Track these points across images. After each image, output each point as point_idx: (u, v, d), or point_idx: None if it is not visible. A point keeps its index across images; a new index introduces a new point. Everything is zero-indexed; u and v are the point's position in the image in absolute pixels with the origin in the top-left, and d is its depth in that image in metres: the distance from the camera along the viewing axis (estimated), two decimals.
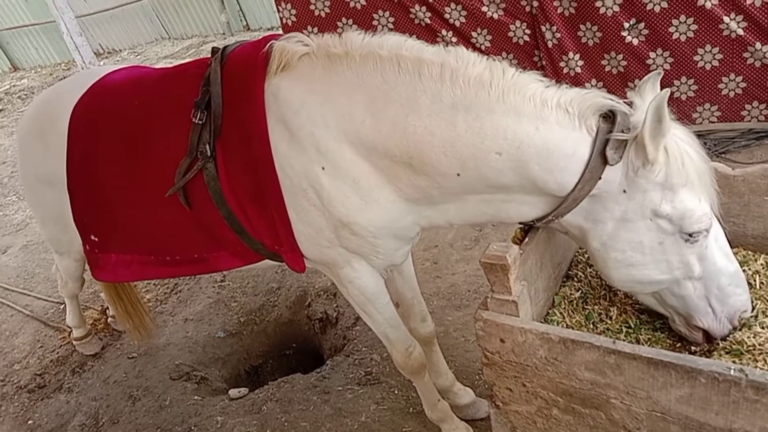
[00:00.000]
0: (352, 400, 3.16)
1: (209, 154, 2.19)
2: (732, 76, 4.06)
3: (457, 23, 4.55)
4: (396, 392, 3.17)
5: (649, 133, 1.63)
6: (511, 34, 4.50)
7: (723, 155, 4.12)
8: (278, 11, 4.90)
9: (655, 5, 3.96)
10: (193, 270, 2.54)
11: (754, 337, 1.78)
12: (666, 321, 1.98)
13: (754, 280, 2.02)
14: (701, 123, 4.27)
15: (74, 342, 4.01)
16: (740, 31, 3.85)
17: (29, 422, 3.60)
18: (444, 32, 4.63)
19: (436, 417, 2.73)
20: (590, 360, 1.58)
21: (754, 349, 1.76)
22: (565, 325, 2.08)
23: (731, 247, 2.13)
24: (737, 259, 2.09)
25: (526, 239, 1.99)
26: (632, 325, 2.07)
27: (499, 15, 4.46)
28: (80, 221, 2.62)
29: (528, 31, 4.46)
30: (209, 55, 2.32)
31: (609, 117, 1.75)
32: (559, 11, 4.27)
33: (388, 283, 2.62)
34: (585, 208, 1.81)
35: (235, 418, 3.23)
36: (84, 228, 2.62)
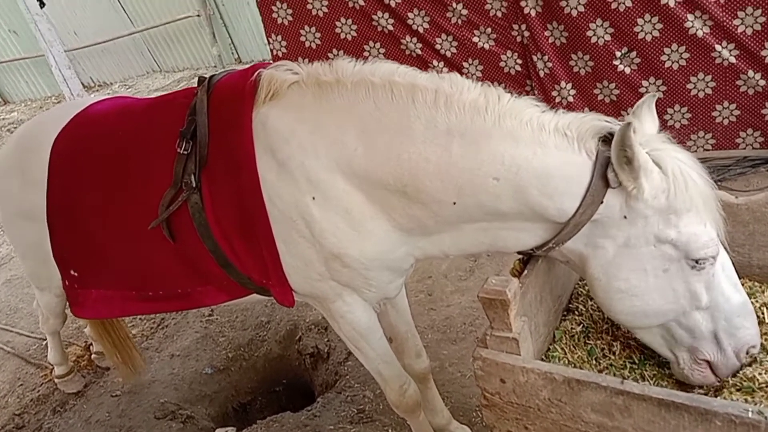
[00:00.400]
0: None
1: (194, 185, 2.12)
2: (725, 103, 4.04)
3: (449, 54, 4.53)
4: (389, 431, 3.04)
5: (617, 163, 1.60)
6: (502, 64, 4.49)
7: (719, 183, 4.07)
8: (269, 43, 4.88)
9: (646, 34, 3.95)
10: (177, 306, 2.45)
11: (766, 374, 1.70)
12: None
13: (762, 313, 1.94)
14: (696, 151, 4.24)
15: (56, 380, 3.86)
16: (732, 59, 3.85)
17: None
18: (435, 62, 4.61)
19: None
20: (597, 401, 1.49)
21: (766, 387, 1.67)
22: (567, 361, 1.99)
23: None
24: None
25: (525, 271, 1.91)
26: (636, 361, 1.99)
27: (490, 45, 4.45)
28: (59, 255, 2.52)
29: (519, 61, 4.45)
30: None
31: (608, 140, 1.70)
32: (550, 41, 4.26)
33: (381, 317, 2.53)
34: (586, 234, 1.74)
35: None
36: (63, 262, 2.52)
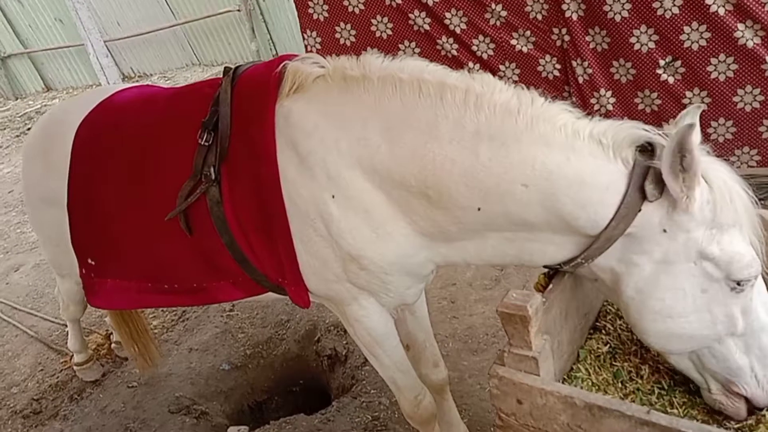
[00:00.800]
0: None
1: (213, 178, 2.07)
2: None
3: (485, 56, 4.42)
4: None
5: (668, 168, 1.48)
6: (540, 68, 4.36)
7: (763, 201, 3.88)
8: (303, 39, 4.83)
9: (693, 43, 3.78)
10: (192, 300, 2.40)
11: None
12: None
13: None
14: (740, 167, 4.04)
15: (75, 367, 3.87)
16: None
17: None
18: (471, 64, 4.49)
19: None
20: (620, 431, 1.38)
21: None
22: (590, 383, 1.88)
23: None
24: None
25: (550, 286, 1.81)
26: (665, 387, 1.87)
27: (528, 49, 4.32)
28: (78, 243, 2.49)
29: (558, 66, 4.32)
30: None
31: (646, 150, 1.60)
32: (591, 46, 4.11)
33: (398, 324, 2.45)
34: (619, 249, 1.64)
35: None
36: (81, 250, 2.50)
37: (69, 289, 3.17)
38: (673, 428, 1.29)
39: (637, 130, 1.60)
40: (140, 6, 11.09)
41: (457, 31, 4.41)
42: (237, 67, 2.20)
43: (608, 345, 2.00)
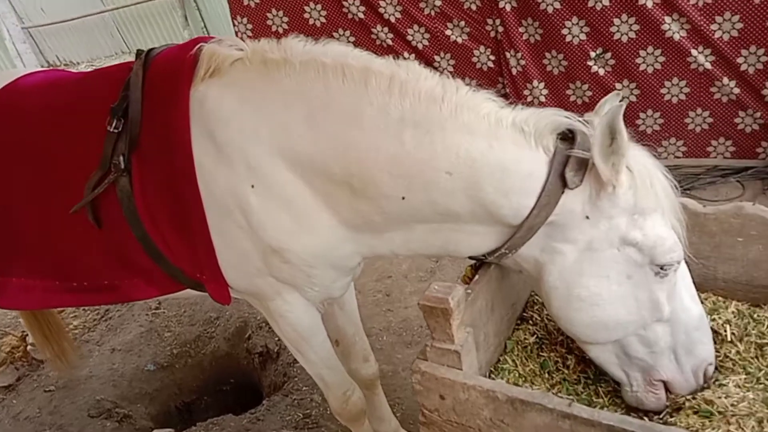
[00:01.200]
0: None
1: (123, 167, 1.92)
2: (699, 110, 3.95)
3: (420, 45, 4.38)
4: None
5: (600, 150, 1.46)
6: (474, 59, 4.35)
7: (688, 192, 3.98)
8: (234, 25, 4.67)
9: (623, 35, 3.84)
10: (104, 299, 2.24)
11: (726, 398, 1.57)
12: None
13: (725, 330, 1.82)
14: (667, 158, 4.15)
15: None
16: (708, 65, 3.75)
17: None
18: (406, 54, 4.45)
19: None
20: (542, 424, 1.34)
21: (726, 411, 1.54)
22: (518, 374, 1.86)
23: (700, 291, 1.95)
24: (707, 306, 1.91)
25: (476, 277, 1.76)
26: (591, 376, 1.87)
27: (463, 39, 4.30)
28: None
29: (492, 57, 4.32)
30: None
31: (568, 137, 1.58)
32: (524, 38, 4.13)
33: (327, 319, 2.37)
34: (542, 238, 1.62)
35: None
36: None
37: None
38: (594, 420, 1.26)
39: (557, 117, 1.58)
40: None
41: (392, 20, 4.35)
42: (150, 50, 2.06)
43: (535, 335, 1.98)
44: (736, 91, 3.79)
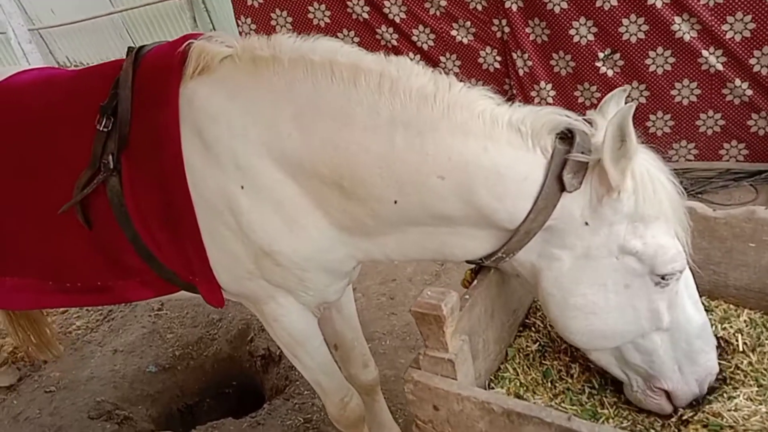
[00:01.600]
0: None
1: (112, 167, 1.88)
2: (710, 112, 3.86)
3: (425, 46, 4.32)
4: None
5: (610, 154, 1.39)
6: (481, 60, 4.29)
7: (699, 195, 3.90)
8: (237, 26, 4.64)
9: (631, 35, 3.76)
10: (99, 300, 2.20)
11: (736, 411, 1.50)
12: None
13: (736, 340, 1.75)
14: (678, 161, 4.06)
15: None
16: (719, 66, 3.66)
17: None
18: (411, 55, 4.39)
19: None
20: None
21: (737, 426, 1.47)
22: (519, 383, 1.79)
23: (710, 299, 1.88)
24: (717, 314, 1.84)
25: (475, 282, 1.70)
26: (596, 386, 1.80)
27: (469, 40, 4.24)
28: None
29: (499, 58, 4.25)
30: None
31: (567, 137, 1.51)
32: (531, 38, 4.06)
33: (324, 323, 2.32)
34: (539, 243, 1.56)
35: None
36: None
37: None
38: None
39: (556, 116, 1.51)
40: None
41: (397, 20, 4.30)
42: (141, 47, 2.02)
43: (538, 343, 1.92)
44: (749, 92, 3.70)
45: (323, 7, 4.39)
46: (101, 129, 1.89)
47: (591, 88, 4.04)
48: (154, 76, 1.87)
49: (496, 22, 4.10)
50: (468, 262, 1.75)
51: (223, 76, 1.80)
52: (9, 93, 2.22)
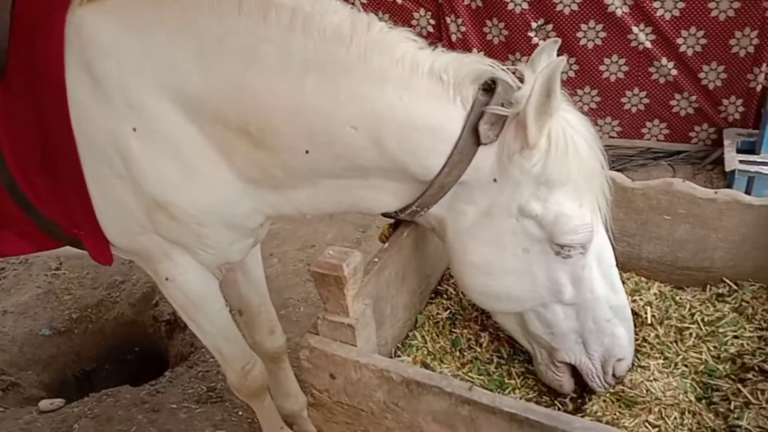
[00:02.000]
0: (185, 421, 2.66)
1: None
2: (636, 90, 3.89)
3: (358, 2, 4.14)
4: (240, 413, 2.71)
5: (534, 109, 1.29)
6: (414, 22, 4.16)
7: (619, 173, 3.94)
8: None
9: (565, 6, 3.72)
10: None
11: (649, 382, 1.46)
12: None
13: (645, 313, 1.72)
14: (602, 138, 4.05)
15: None
16: (648, 44, 3.68)
17: None
18: None
19: None
20: (439, 409, 1.18)
21: (647, 396, 1.44)
22: (426, 351, 1.71)
23: (623, 271, 1.84)
24: (629, 287, 1.80)
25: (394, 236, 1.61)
26: (504, 356, 1.75)
27: (402, 0, 4.09)
28: None
29: (432, 21, 4.13)
30: None
31: (490, 88, 1.40)
32: (465, 2, 3.96)
33: (229, 286, 2.18)
34: (450, 197, 1.47)
35: None
36: None
37: None
38: (496, 407, 1.11)
39: (480, 65, 1.41)
40: None
41: None
42: None
43: (449, 310, 1.84)
44: (674, 72, 3.73)
45: None
46: None
47: (522, 59, 3.99)
48: (37, 0, 1.65)
49: None
50: (383, 215, 1.64)
51: (117, 5, 1.59)
52: None
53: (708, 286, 1.79)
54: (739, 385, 1.48)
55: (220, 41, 1.51)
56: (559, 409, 1.56)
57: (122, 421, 2.68)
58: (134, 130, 1.57)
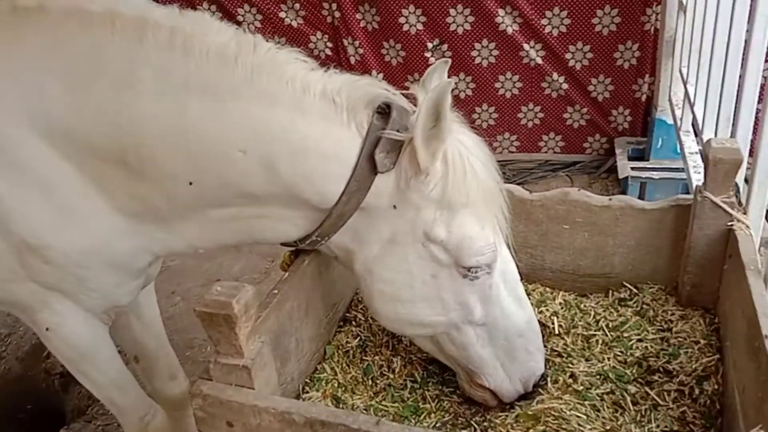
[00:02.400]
0: None
1: None
2: (531, 105, 4.02)
3: (252, 27, 4.06)
4: None
5: (422, 134, 1.27)
6: (312, 45, 4.11)
7: (521, 186, 4.05)
8: None
9: (458, 26, 3.80)
10: None
11: (554, 399, 1.45)
12: None
13: (552, 323, 1.72)
14: (501, 152, 4.18)
15: None
16: (539, 60, 3.81)
17: None
18: None
19: None
20: None
21: (554, 412, 1.42)
22: (336, 384, 1.63)
23: (528, 283, 1.84)
24: (534, 298, 1.81)
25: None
26: (418, 379, 1.70)
27: (298, 23, 4.05)
28: None
29: (330, 44, 4.11)
30: None
31: (384, 112, 1.37)
32: (362, 25, 3.96)
33: (122, 331, 2.03)
34: (352, 226, 1.42)
35: None
36: None
37: None
38: None
39: (373, 89, 1.38)
40: None
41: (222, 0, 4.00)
42: None
43: (359, 338, 1.77)
44: (565, 86, 3.88)
45: None
46: None
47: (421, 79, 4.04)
48: None
49: (326, 6, 3.95)
50: (283, 245, 1.56)
51: None
52: None
53: (610, 292, 1.82)
54: (647, 388, 1.50)
55: (90, 64, 1.40)
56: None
57: None
58: None
